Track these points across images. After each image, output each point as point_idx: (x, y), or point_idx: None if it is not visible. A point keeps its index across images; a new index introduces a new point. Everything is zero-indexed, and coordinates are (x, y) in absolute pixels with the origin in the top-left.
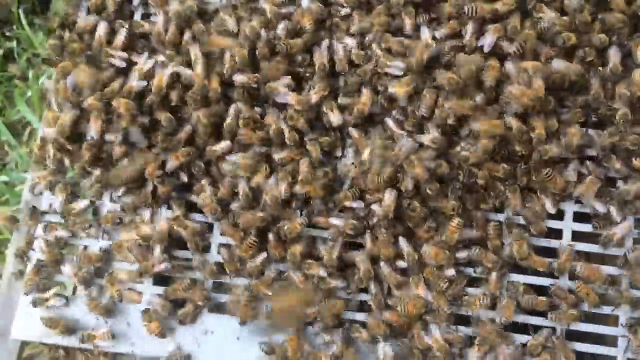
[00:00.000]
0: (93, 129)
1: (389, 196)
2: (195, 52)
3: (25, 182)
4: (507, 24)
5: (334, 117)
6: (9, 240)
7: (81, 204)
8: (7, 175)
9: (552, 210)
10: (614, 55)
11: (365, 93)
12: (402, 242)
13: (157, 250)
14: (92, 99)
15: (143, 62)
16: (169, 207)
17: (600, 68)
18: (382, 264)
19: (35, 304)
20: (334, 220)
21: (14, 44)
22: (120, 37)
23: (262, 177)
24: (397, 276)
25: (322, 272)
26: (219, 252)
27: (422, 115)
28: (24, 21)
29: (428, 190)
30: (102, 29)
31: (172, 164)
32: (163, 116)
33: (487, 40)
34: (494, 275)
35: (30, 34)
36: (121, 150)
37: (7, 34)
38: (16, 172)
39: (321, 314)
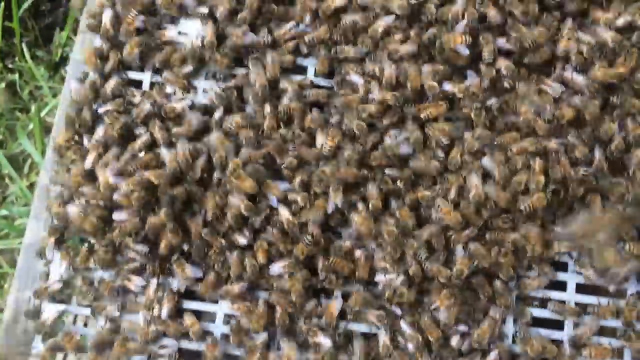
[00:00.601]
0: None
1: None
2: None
3: (25, 215)
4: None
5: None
6: (8, 273)
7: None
8: (7, 209)
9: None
10: (617, 133)
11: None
12: (405, 325)
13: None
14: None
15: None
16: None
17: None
18: None
19: None
20: (371, 317)
21: (17, 76)
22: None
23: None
24: None
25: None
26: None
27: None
28: (26, 54)
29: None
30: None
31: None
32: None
33: None
34: (493, 355)
35: (33, 66)
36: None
37: (10, 66)
38: (17, 206)
39: None
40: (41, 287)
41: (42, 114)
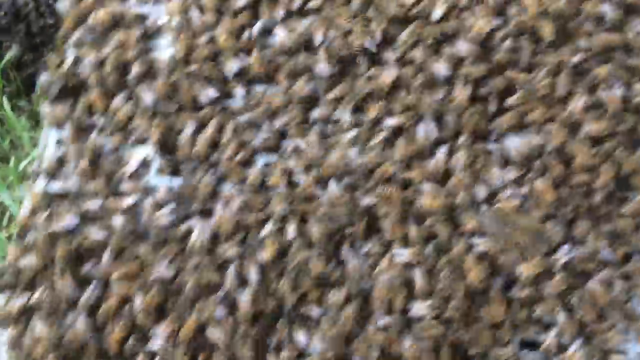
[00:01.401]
0: None
1: None
2: None
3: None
4: None
5: None
6: None
7: None
8: None
9: None
10: None
11: None
12: None
13: None
14: None
15: None
16: None
17: None
18: None
19: None
20: None
21: None
22: None
23: None
24: None
25: None
26: None
27: None
28: (6, 105)
29: None
30: None
31: None
32: None
33: None
34: None
35: (14, 118)
36: None
37: None
38: None
39: None
40: None
41: (21, 165)
